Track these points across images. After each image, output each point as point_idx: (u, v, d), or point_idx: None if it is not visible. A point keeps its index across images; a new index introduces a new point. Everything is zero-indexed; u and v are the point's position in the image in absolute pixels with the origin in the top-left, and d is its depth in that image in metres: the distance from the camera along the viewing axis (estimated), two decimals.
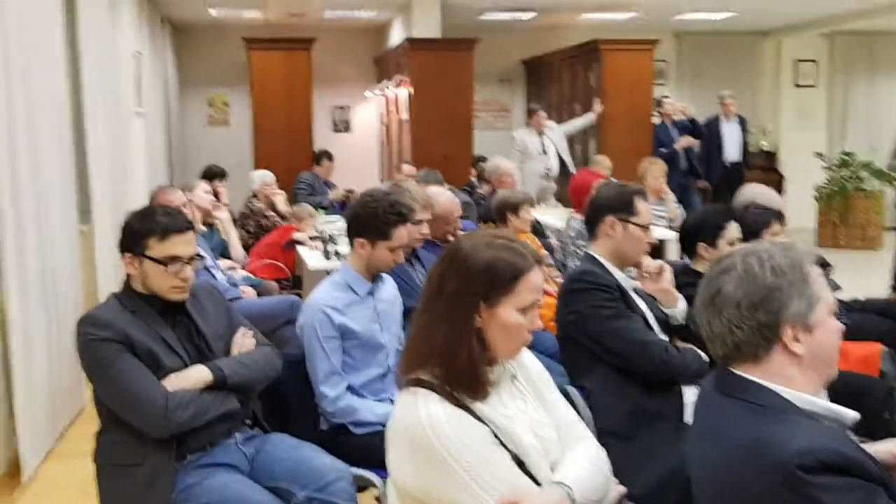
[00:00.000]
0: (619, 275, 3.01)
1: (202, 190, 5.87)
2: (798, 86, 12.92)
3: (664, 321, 3.04)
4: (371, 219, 3.11)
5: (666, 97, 9.95)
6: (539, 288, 1.92)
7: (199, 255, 2.74)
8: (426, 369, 1.88)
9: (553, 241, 5.95)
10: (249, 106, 10.13)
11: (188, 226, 2.71)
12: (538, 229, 5.97)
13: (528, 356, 2.07)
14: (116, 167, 6.00)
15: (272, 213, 7.28)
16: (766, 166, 12.03)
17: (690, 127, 9.63)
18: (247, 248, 6.66)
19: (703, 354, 2.91)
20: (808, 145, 12.09)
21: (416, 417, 1.81)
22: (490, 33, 10.87)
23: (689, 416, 2.78)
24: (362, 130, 12.01)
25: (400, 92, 9.85)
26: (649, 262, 3.06)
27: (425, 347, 1.89)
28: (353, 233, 3.16)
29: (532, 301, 1.90)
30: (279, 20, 10.80)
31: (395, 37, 10.56)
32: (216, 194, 6.64)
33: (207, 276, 4.61)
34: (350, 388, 3.06)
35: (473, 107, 9.55)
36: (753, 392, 1.64)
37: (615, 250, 3.03)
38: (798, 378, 1.65)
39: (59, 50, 4.88)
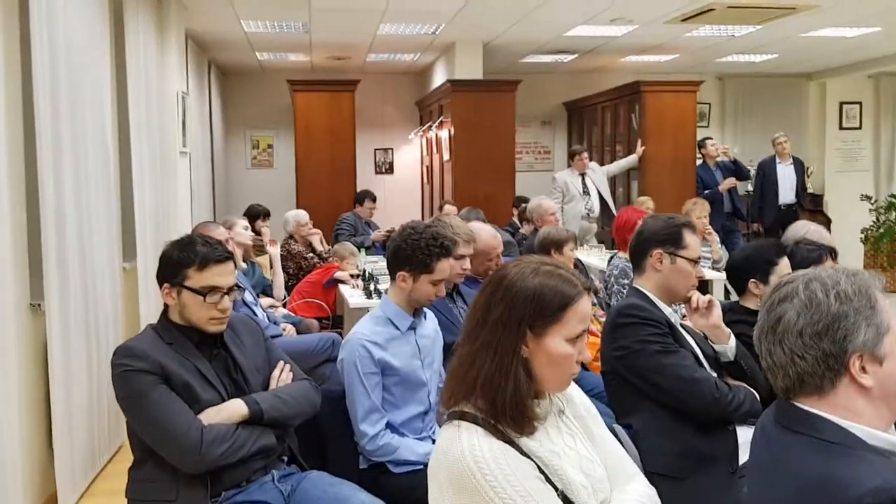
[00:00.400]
0: (666, 310, 2.91)
1: (242, 227, 5.88)
2: (843, 128, 12.76)
3: (714, 358, 2.93)
4: (414, 251, 3.05)
5: (709, 138, 9.85)
6: (588, 317, 1.84)
7: (237, 285, 2.70)
8: (469, 402, 1.80)
9: (596, 282, 5.85)
10: (293, 148, 10.22)
11: (227, 256, 2.67)
12: (581, 269, 5.88)
13: (576, 391, 1.99)
14: (160, 206, 6.03)
15: (311, 254, 7.25)
16: (812, 209, 11.84)
17: (733, 168, 9.51)
18: (286, 289, 6.63)
19: (755, 393, 2.80)
20: (854, 188, 11.93)
21: (459, 450, 1.73)
22: (532, 75, 10.91)
23: (743, 458, 2.66)
24: (405, 172, 12.06)
25: (442, 133, 9.88)
26: (699, 297, 2.96)
27: (469, 379, 1.80)
28: (395, 266, 3.10)
29: (581, 331, 1.81)
30: (324, 63, 10.93)
31: (438, 79, 10.62)
32: (259, 234, 6.65)
33: (248, 312, 4.59)
34: (389, 426, 2.99)
35: (515, 147, 9.55)
36: (819, 427, 1.54)
37: (662, 284, 2.94)
38: (866, 412, 1.55)
39: (107, 89, 4.94)
